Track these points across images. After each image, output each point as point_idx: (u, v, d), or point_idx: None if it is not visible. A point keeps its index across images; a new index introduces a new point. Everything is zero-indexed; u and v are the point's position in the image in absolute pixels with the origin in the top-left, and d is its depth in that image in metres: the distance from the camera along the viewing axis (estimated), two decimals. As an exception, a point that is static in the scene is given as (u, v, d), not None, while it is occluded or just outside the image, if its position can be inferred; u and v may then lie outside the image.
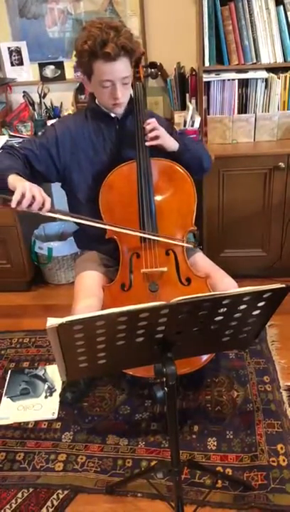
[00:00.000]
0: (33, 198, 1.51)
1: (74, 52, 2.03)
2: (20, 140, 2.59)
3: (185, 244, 1.82)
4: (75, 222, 1.79)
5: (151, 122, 1.77)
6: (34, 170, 1.79)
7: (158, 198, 1.83)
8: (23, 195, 1.50)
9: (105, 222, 1.77)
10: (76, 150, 1.83)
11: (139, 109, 1.83)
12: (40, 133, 2.67)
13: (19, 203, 1.50)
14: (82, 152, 1.84)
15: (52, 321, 1.01)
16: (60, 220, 2.00)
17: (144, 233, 1.76)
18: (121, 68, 1.66)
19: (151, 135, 1.77)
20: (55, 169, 1.84)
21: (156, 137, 1.78)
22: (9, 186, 1.57)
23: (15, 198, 1.49)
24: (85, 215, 1.91)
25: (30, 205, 1.52)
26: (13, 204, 1.50)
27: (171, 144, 1.83)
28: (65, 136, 1.82)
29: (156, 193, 1.82)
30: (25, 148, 1.79)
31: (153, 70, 2.10)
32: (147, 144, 1.78)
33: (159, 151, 1.84)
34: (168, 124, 2.02)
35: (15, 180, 1.57)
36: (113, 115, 1.83)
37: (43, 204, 1.54)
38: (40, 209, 1.55)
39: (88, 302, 1.72)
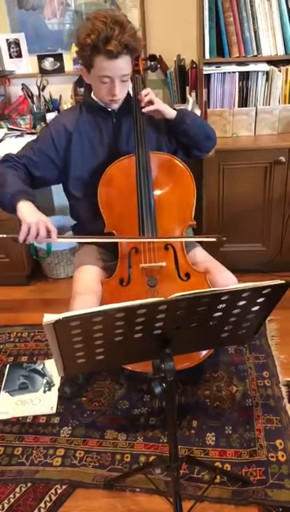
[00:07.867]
0: (38, 233, 1.61)
1: (75, 43, 2.01)
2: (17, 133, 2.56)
3: (205, 239, 1.93)
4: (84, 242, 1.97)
5: (146, 92, 1.77)
6: (34, 177, 1.81)
7: (157, 192, 1.81)
8: (28, 233, 1.61)
9: (115, 237, 1.79)
10: (72, 146, 1.82)
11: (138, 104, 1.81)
12: (38, 127, 2.67)
13: (25, 240, 1.62)
14: (78, 147, 1.82)
15: (49, 318, 1.00)
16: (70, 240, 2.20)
17: (159, 238, 1.76)
18: (122, 66, 1.64)
19: (145, 99, 1.76)
20: (56, 171, 1.85)
21: (151, 102, 1.77)
22: (18, 215, 1.64)
23: (21, 237, 1.61)
24: (84, 211, 1.91)
25: (36, 238, 1.63)
26: (20, 241, 1.62)
27: (169, 111, 1.81)
28: (60, 134, 1.81)
29: (155, 187, 1.80)
30: (24, 157, 1.80)
31: (152, 62, 2.07)
32: (144, 110, 1.78)
33: (159, 131, 1.83)
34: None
35: (23, 213, 1.62)
36: (109, 109, 1.81)
37: (49, 235, 1.63)
38: (48, 238, 1.64)
39: (86, 297, 1.71)
